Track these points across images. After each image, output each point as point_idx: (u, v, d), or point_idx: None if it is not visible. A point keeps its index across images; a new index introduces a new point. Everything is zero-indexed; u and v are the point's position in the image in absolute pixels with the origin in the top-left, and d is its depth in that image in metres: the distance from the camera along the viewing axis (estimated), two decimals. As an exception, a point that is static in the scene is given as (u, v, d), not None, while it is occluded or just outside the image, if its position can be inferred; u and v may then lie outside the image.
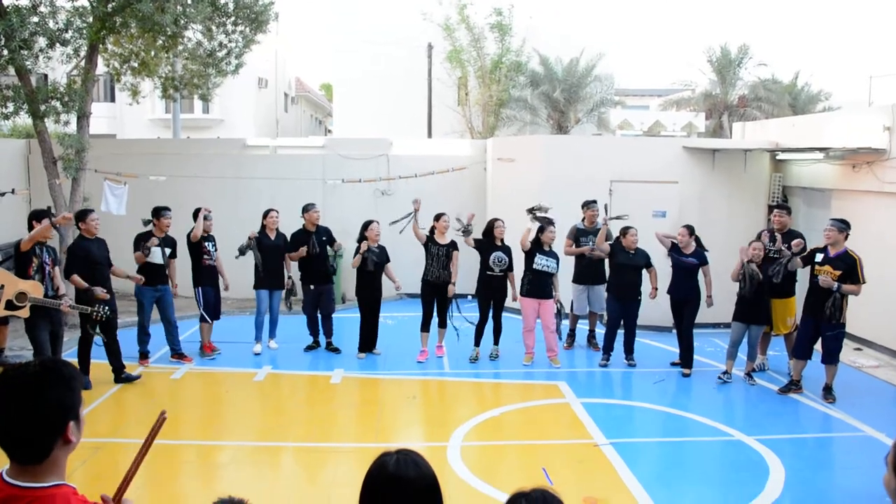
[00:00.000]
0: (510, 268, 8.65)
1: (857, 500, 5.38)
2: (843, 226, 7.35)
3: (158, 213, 8.36)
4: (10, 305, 6.63)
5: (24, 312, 6.69)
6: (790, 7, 67.98)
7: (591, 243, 9.02)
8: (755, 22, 65.76)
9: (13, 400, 1.75)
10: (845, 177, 9.71)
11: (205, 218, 8.53)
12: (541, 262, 8.41)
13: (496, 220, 8.79)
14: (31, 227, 7.01)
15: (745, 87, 23.07)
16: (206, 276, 8.65)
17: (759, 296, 7.76)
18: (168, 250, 8.41)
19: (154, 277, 8.26)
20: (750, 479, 5.61)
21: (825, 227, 7.47)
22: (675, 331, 8.71)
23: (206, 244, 8.66)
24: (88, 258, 7.47)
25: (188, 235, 8.58)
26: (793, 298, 8.26)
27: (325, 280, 9.03)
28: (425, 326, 8.81)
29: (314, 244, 8.86)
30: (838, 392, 7.46)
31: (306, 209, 9.02)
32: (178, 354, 8.58)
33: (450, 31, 19.08)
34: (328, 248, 9.11)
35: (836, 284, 7.11)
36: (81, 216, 7.67)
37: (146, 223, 8.36)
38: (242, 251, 8.85)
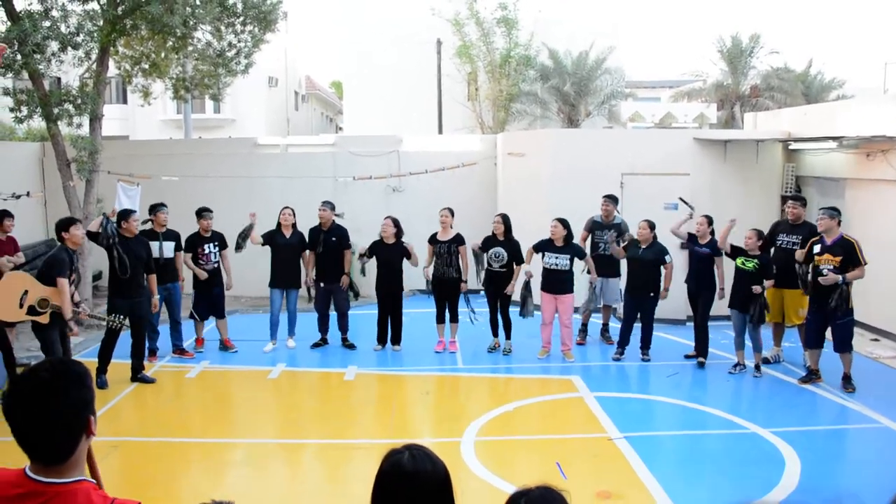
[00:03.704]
0: (516, 261, 8.67)
1: (874, 492, 5.33)
2: (835, 212, 7.37)
3: (154, 209, 8.47)
4: (31, 311, 6.69)
5: (45, 318, 6.71)
6: (802, -5, 67.27)
7: (606, 236, 9.00)
8: (767, 9, 65.17)
9: (36, 406, 1.80)
10: (859, 165, 9.62)
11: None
12: (548, 260, 8.46)
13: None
14: (59, 237, 6.92)
15: (757, 77, 22.89)
16: (199, 278, 8.70)
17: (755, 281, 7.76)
18: (172, 244, 8.52)
19: (162, 276, 8.28)
20: (765, 471, 5.58)
21: (817, 217, 7.48)
22: (690, 323, 8.67)
23: (206, 246, 8.73)
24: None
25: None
26: (804, 289, 8.20)
27: (335, 279, 9.05)
28: (440, 318, 9.00)
29: (320, 242, 8.91)
30: (855, 383, 7.40)
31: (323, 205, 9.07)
32: (179, 350, 8.76)
33: (459, 26, 19.04)
34: (344, 251, 9.08)
35: (840, 278, 7.07)
36: (124, 216, 7.73)
37: (144, 223, 8.41)
38: (241, 240, 8.90)
